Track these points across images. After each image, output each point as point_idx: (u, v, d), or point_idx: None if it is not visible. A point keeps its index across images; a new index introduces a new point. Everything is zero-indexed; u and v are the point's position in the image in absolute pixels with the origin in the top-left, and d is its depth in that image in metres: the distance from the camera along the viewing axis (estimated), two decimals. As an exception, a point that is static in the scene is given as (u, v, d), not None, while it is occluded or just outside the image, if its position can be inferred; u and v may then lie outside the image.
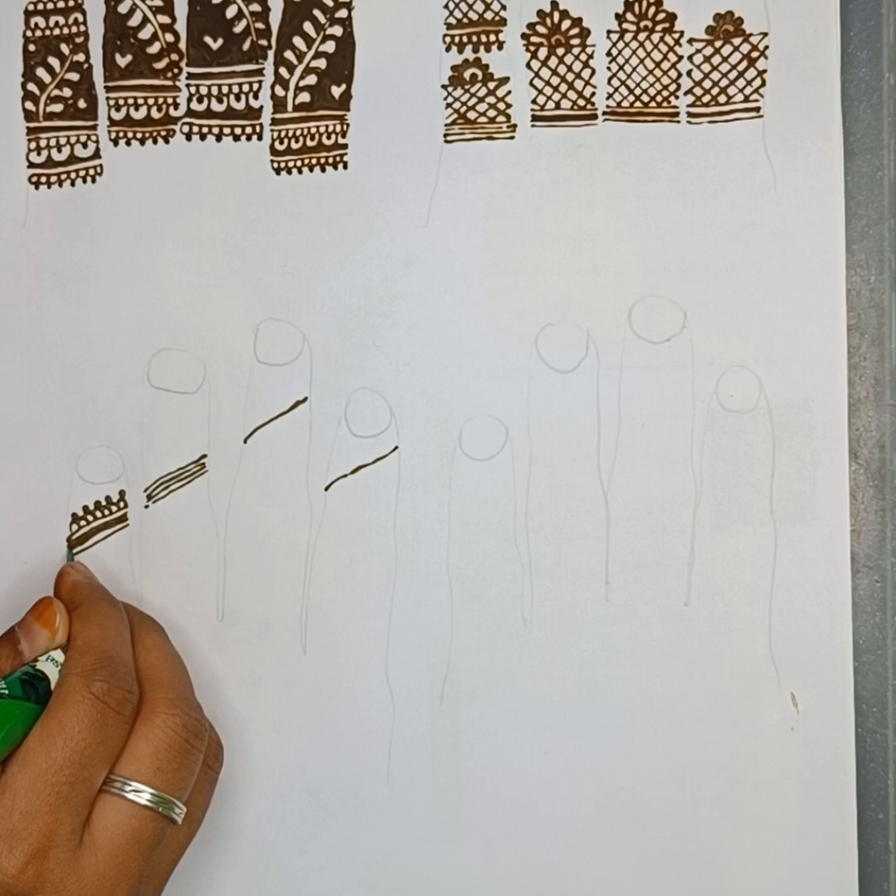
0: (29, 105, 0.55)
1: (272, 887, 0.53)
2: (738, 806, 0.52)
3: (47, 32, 0.55)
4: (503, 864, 0.53)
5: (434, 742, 0.53)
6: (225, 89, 0.54)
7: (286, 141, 0.54)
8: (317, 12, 0.54)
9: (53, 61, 0.55)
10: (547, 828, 0.52)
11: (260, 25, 0.54)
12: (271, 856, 0.54)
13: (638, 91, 0.52)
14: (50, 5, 0.55)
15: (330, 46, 0.54)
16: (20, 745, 0.45)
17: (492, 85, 0.53)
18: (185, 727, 0.47)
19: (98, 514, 0.54)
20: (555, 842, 0.52)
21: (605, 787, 0.52)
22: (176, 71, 0.55)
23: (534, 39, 0.53)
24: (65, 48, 0.55)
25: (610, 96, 0.52)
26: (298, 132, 0.54)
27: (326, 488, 0.53)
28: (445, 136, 0.53)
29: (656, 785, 0.52)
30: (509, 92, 0.53)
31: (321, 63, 0.54)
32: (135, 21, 0.55)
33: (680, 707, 0.52)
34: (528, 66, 0.53)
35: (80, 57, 0.55)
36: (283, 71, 0.54)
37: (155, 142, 0.55)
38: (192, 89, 0.54)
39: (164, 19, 0.54)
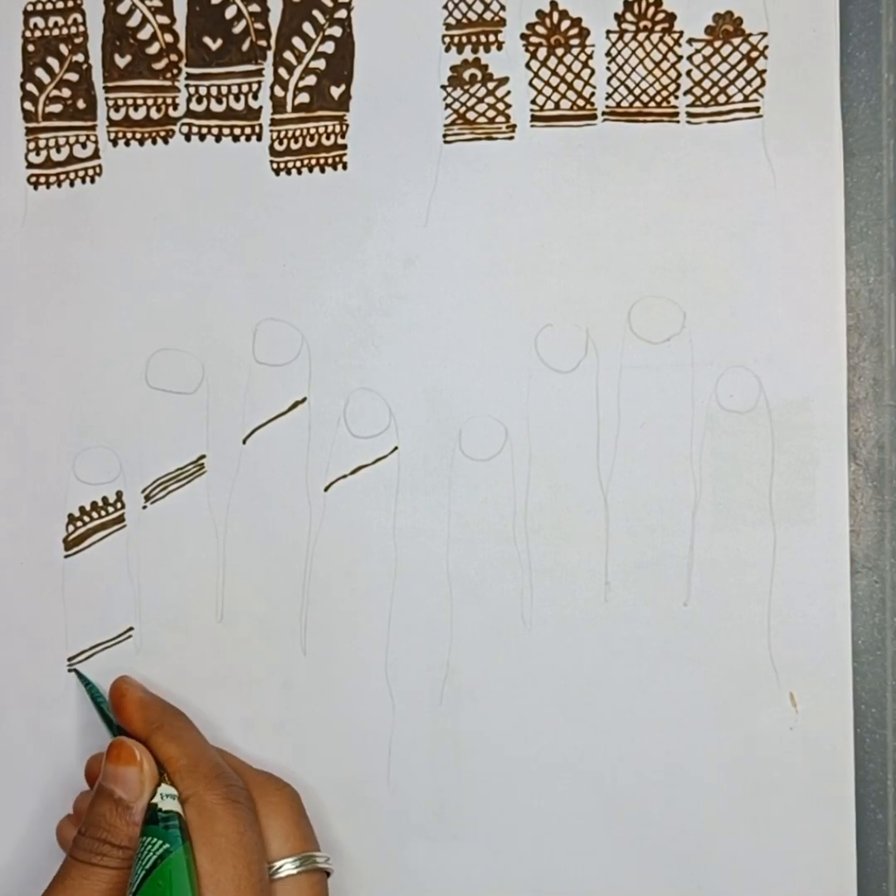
0: (28, 105, 0.55)
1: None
2: (737, 806, 0.52)
3: (46, 33, 0.55)
4: (503, 864, 0.53)
5: (434, 742, 0.53)
6: (224, 90, 0.54)
7: (285, 141, 0.54)
8: (316, 13, 0.54)
9: (52, 62, 0.55)
10: (547, 827, 0.52)
11: (259, 26, 0.54)
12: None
13: (637, 91, 0.52)
14: (49, 6, 0.55)
15: (329, 47, 0.54)
16: (197, 878, 0.45)
17: (491, 85, 0.53)
18: (294, 793, 0.50)
19: (95, 514, 0.54)
20: (555, 842, 0.52)
21: (605, 787, 0.52)
22: (175, 71, 0.54)
23: (533, 39, 0.53)
24: (64, 48, 0.55)
25: (609, 96, 0.52)
26: (298, 132, 0.54)
27: (326, 489, 0.53)
28: (445, 136, 0.53)
29: (655, 784, 0.52)
30: (509, 92, 0.53)
31: (320, 63, 0.54)
32: (134, 21, 0.55)
33: (679, 707, 0.52)
34: (528, 66, 0.53)
35: (80, 57, 0.55)
36: (282, 71, 0.54)
37: (154, 142, 0.55)
38: (192, 90, 0.54)
39: (164, 20, 0.54)
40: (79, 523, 0.54)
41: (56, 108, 0.55)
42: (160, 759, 0.48)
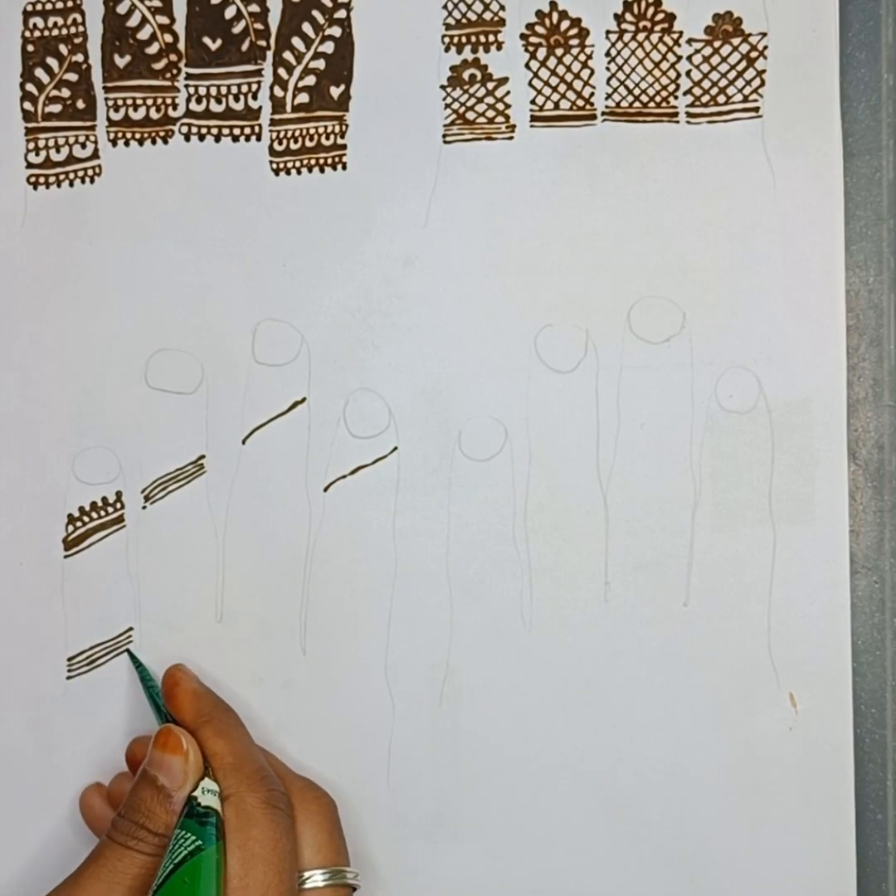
0: (27, 105, 0.55)
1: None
2: (737, 806, 0.52)
3: (46, 33, 0.55)
4: (503, 864, 0.53)
5: (434, 742, 0.53)
6: (224, 90, 0.54)
7: (285, 141, 0.54)
8: (315, 13, 0.54)
9: (52, 62, 0.55)
10: (546, 828, 0.52)
11: (259, 26, 0.54)
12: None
13: (637, 91, 0.52)
14: (48, 6, 0.55)
15: (329, 47, 0.54)
16: (224, 880, 0.45)
17: (491, 85, 0.53)
18: (332, 804, 0.50)
19: (94, 514, 0.54)
20: (554, 842, 0.52)
21: (605, 787, 0.52)
22: (175, 71, 0.54)
23: (533, 40, 0.53)
24: (63, 49, 0.55)
25: (609, 96, 0.52)
26: (297, 133, 0.54)
27: (325, 489, 0.53)
28: (444, 136, 0.53)
29: (655, 784, 0.52)
30: (508, 92, 0.53)
31: (320, 64, 0.54)
32: (133, 21, 0.55)
33: (679, 707, 0.52)
34: (527, 66, 0.53)
35: (79, 57, 0.55)
36: (281, 71, 0.54)
37: (153, 142, 0.54)
38: (191, 90, 0.54)
39: (163, 20, 0.54)
40: (78, 523, 0.54)
41: (55, 108, 0.55)
42: (206, 753, 0.48)
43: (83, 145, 0.55)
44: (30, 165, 0.55)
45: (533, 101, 0.53)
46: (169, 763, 0.47)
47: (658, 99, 0.52)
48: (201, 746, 0.48)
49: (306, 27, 0.54)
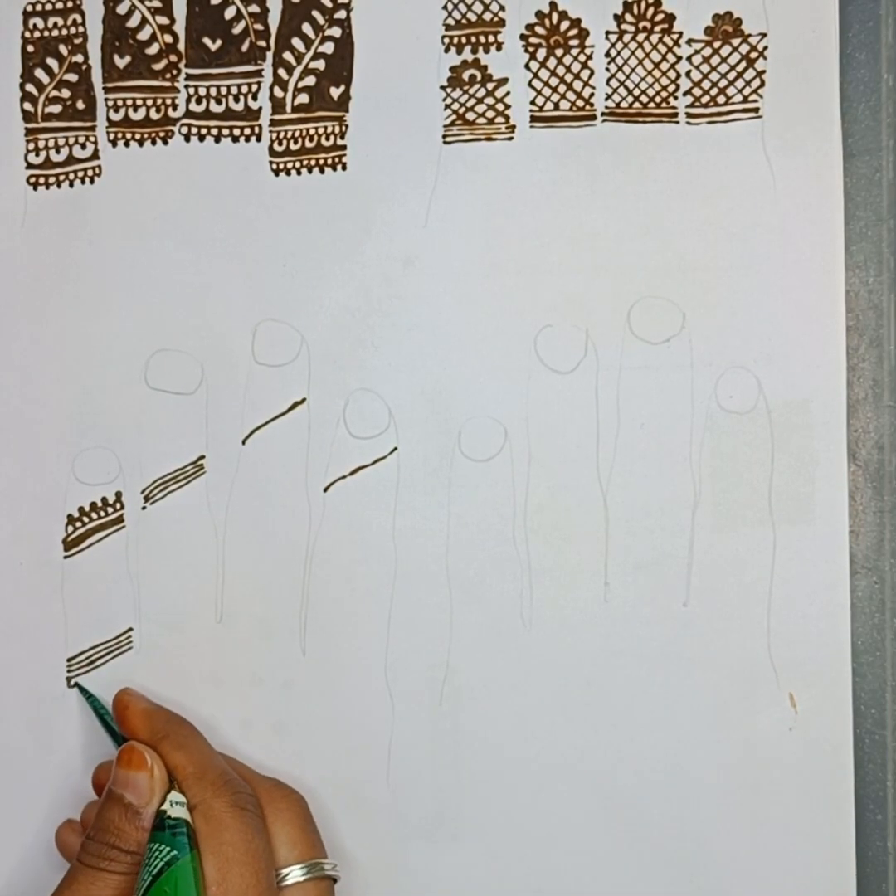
0: (27, 106, 0.55)
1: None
2: (737, 806, 0.52)
3: (46, 33, 0.55)
4: (503, 864, 0.53)
5: (434, 742, 0.53)
6: (224, 90, 0.54)
7: (285, 142, 0.54)
8: (315, 13, 0.54)
9: (52, 62, 0.55)
10: (546, 828, 0.52)
11: (258, 27, 0.54)
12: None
13: (637, 92, 0.52)
14: (48, 6, 0.55)
15: (328, 47, 0.54)
16: (203, 887, 0.45)
17: (490, 86, 0.53)
18: (301, 800, 0.50)
19: (94, 515, 0.54)
20: (554, 842, 0.52)
21: (604, 787, 0.52)
22: (175, 72, 0.54)
23: (532, 40, 0.53)
24: (63, 49, 0.55)
25: (609, 97, 0.52)
26: (297, 133, 0.54)
27: (325, 489, 0.53)
28: (444, 136, 0.53)
29: (655, 784, 0.52)
30: (508, 93, 0.53)
31: (320, 64, 0.54)
32: (133, 22, 0.55)
33: (678, 707, 0.52)
34: (527, 66, 0.53)
35: (79, 58, 0.55)
36: (281, 72, 0.54)
37: (153, 143, 0.55)
38: (191, 90, 0.54)
39: (163, 20, 0.54)
40: (78, 524, 0.54)
41: (55, 108, 0.55)
42: (168, 767, 0.48)
43: (83, 146, 0.55)
44: (30, 166, 0.55)
45: (533, 102, 0.53)
46: (134, 780, 0.47)
47: (658, 99, 0.52)
48: (165, 762, 0.48)
49: (306, 28, 0.54)
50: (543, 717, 0.52)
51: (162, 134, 0.55)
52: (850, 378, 0.51)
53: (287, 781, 0.51)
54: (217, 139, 0.54)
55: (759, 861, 0.52)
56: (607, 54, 0.53)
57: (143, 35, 0.55)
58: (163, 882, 0.44)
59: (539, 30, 0.53)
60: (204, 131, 0.54)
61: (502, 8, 0.53)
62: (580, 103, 0.53)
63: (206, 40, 0.54)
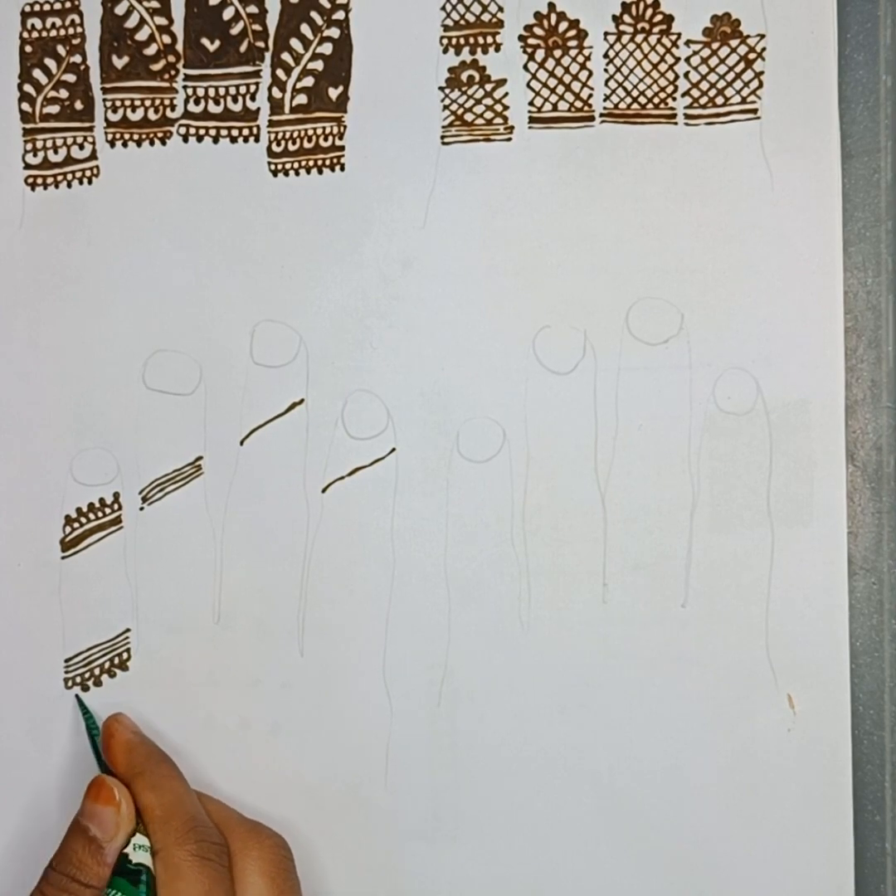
0: (25, 106, 0.55)
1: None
2: (735, 807, 0.52)
3: (44, 34, 0.55)
4: (501, 865, 0.53)
5: (432, 744, 0.53)
6: (222, 91, 0.54)
7: (283, 143, 0.54)
8: (314, 14, 0.54)
9: (50, 63, 0.55)
10: (545, 829, 0.52)
11: (257, 27, 0.54)
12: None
13: (635, 93, 0.52)
14: (47, 7, 0.55)
15: (327, 48, 0.54)
16: None
17: (489, 87, 0.53)
18: (277, 848, 0.49)
19: (92, 516, 0.54)
20: (553, 843, 0.52)
21: (603, 788, 0.52)
22: (173, 72, 0.54)
23: (531, 41, 0.53)
24: (61, 49, 0.55)
25: (607, 98, 0.52)
26: (295, 134, 0.54)
27: (323, 490, 0.53)
28: (443, 137, 0.53)
29: (653, 786, 0.52)
30: (506, 94, 0.53)
31: (318, 65, 0.54)
32: (132, 23, 0.55)
33: (677, 708, 0.52)
34: (526, 67, 0.53)
35: (77, 58, 0.55)
36: (280, 73, 0.54)
37: (152, 143, 0.54)
38: (189, 91, 0.54)
39: (161, 21, 0.54)
40: (76, 524, 0.54)
41: (53, 109, 0.55)
42: (139, 806, 0.48)
43: (81, 146, 0.55)
44: (28, 166, 0.55)
45: (531, 103, 0.53)
46: (101, 814, 0.47)
47: (656, 100, 0.52)
48: (134, 799, 0.48)
49: (304, 28, 0.54)
50: (541, 718, 0.52)
51: (160, 134, 0.54)
52: (848, 379, 0.52)
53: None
54: (215, 140, 0.54)
55: (757, 862, 0.52)
56: (606, 55, 0.53)
57: (142, 35, 0.55)
58: None
59: (537, 31, 0.53)
60: (202, 132, 0.54)
61: (501, 9, 0.53)
62: (579, 104, 0.53)
63: (205, 41, 0.54)
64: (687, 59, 0.52)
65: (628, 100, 0.52)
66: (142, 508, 0.54)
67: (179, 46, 0.54)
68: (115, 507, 0.54)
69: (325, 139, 0.54)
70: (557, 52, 0.53)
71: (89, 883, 0.46)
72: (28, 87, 0.55)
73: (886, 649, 0.51)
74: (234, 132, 0.54)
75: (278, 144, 0.54)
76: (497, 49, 0.53)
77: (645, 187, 0.52)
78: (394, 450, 0.53)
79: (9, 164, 0.55)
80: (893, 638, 0.51)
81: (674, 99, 0.52)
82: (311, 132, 0.54)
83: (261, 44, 0.54)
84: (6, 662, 0.54)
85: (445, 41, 0.53)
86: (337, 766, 0.53)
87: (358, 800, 0.53)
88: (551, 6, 0.53)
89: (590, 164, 0.53)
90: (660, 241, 0.52)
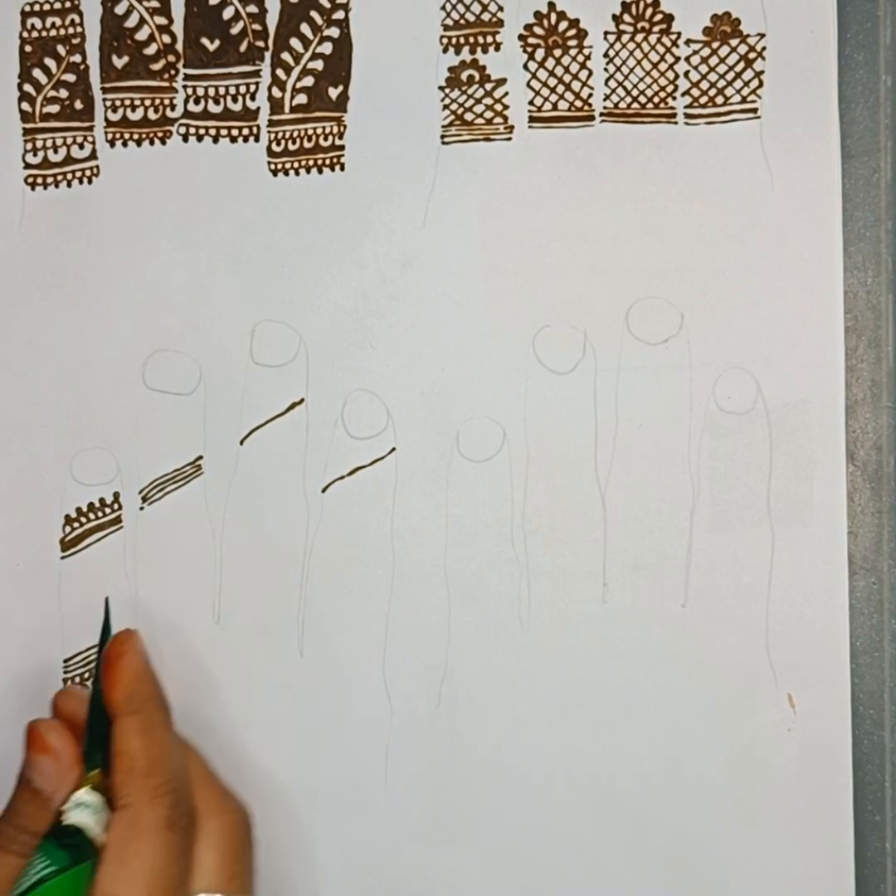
0: (25, 106, 0.55)
1: (270, 890, 0.53)
2: (736, 807, 0.52)
3: (44, 33, 0.55)
4: (501, 865, 0.53)
5: (431, 744, 0.53)
6: (222, 91, 0.54)
7: (283, 142, 0.54)
8: (314, 14, 0.54)
9: (50, 62, 0.55)
10: (545, 829, 0.52)
11: (257, 27, 0.54)
12: (269, 858, 0.53)
13: (635, 92, 0.52)
14: (47, 6, 0.55)
15: (327, 48, 0.54)
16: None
17: (489, 86, 0.53)
18: (236, 822, 0.46)
19: (92, 515, 0.54)
20: (553, 843, 0.52)
21: (603, 788, 0.52)
22: (173, 72, 0.54)
23: (531, 41, 0.53)
24: (61, 49, 0.55)
25: (607, 97, 0.52)
26: (295, 134, 0.54)
27: (323, 490, 0.53)
28: (443, 137, 0.53)
29: (653, 785, 0.52)
30: (506, 93, 0.53)
31: (318, 64, 0.54)
32: (132, 22, 0.55)
33: (677, 708, 0.52)
34: (526, 67, 0.53)
35: (77, 58, 0.55)
36: (279, 72, 0.54)
37: (151, 143, 0.54)
38: (189, 91, 0.54)
39: (161, 20, 0.54)
40: (75, 524, 0.54)
41: (53, 108, 0.55)
42: (118, 748, 0.45)
43: (81, 146, 0.55)
44: (28, 166, 0.55)
45: (531, 102, 0.53)
46: (39, 763, 0.45)
47: (656, 100, 0.52)
48: (116, 738, 0.45)
49: (304, 28, 0.54)
50: (542, 718, 0.52)
51: (160, 134, 0.54)
52: (848, 379, 0.51)
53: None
54: (215, 139, 0.54)
55: (757, 862, 0.52)
56: (606, 55, 0.53)
57: (142, 35, 0.55)
58: None
59: (537, 30, 0.53)
60: (202, 131, 0.54)
61: (500, 8, 0.53)
62: (578, 104, 0.53)
63: (205, 40, 0.54)
64: (687, 59, 0.52)
65: (628, 99, 0.52)
66: (142, 508, 0.54)
67: (179, 46, 0.54)
68: (115, 506, 0.54)
69: (325, 139, 0.54)
70: (557, 52, 0.53)
71: (39, 831, 0.44)
72: (28, 87, 0.55)
73: (886, 649, 0.51)
74: (234, 132, 0.54)
75: (278, 144, 0.54)
76: (497, 48, 0.53)
77: (645, 187, 0.52)
78: (394, 449, 0.53)
79: (9, 163, 0.55)
80: (893, 638, 0.51)
81: (674, 98, 0.52)
82: (311, 132, 0.54)
83: (261, 43, 0.54)
84: (6, 662, 0.54)
85: (445, 41, 0.53)
86: (336, 766, 0.53)
87: (357, 800, 0.53)
88: (551, 5, 0.53)
89: (590, 163, 0.52)
90: (660, 241, 0.52)
